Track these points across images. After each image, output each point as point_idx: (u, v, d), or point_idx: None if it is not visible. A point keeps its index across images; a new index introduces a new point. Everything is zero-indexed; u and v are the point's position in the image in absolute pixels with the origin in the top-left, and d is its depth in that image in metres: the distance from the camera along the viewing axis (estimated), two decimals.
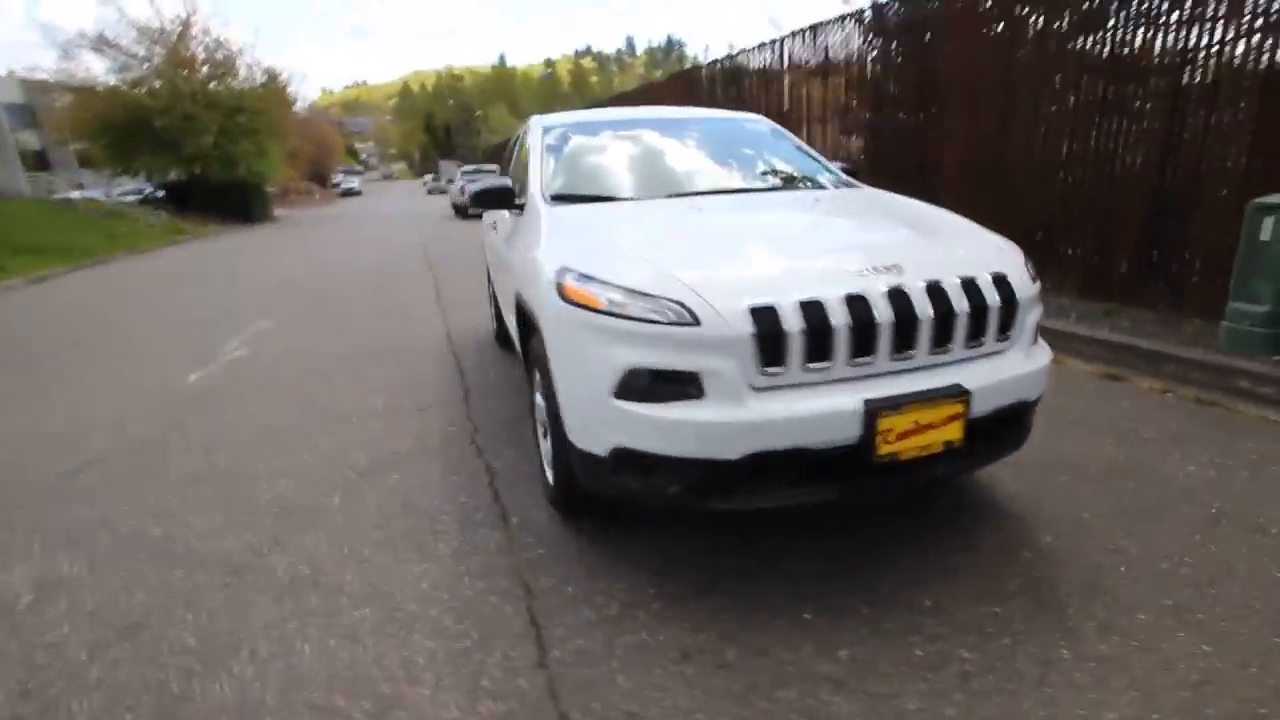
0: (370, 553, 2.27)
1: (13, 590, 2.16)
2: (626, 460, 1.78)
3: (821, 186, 2.94)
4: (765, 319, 1.64)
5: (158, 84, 19.68)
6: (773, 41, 7.99)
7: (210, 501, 2.70)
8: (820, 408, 1.66)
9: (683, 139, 3.16)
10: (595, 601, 1.94)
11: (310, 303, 7.13)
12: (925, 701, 1.54)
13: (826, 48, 7.23)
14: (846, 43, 6.92)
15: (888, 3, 6.31)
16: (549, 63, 78.56)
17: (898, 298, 1.71)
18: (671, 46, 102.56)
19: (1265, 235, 3.41)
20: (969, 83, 5.72)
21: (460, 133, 63.41)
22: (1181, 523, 2.22)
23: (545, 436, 2.49)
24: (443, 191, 44.13)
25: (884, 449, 1.68)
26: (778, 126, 3.47)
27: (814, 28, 7.28)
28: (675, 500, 1.79)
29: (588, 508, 2.29)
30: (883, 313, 1.69)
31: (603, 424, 1.80)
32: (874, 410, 1.65)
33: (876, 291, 1.71)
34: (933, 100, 6.10)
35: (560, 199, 2.65)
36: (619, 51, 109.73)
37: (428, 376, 4.26)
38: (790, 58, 7.84)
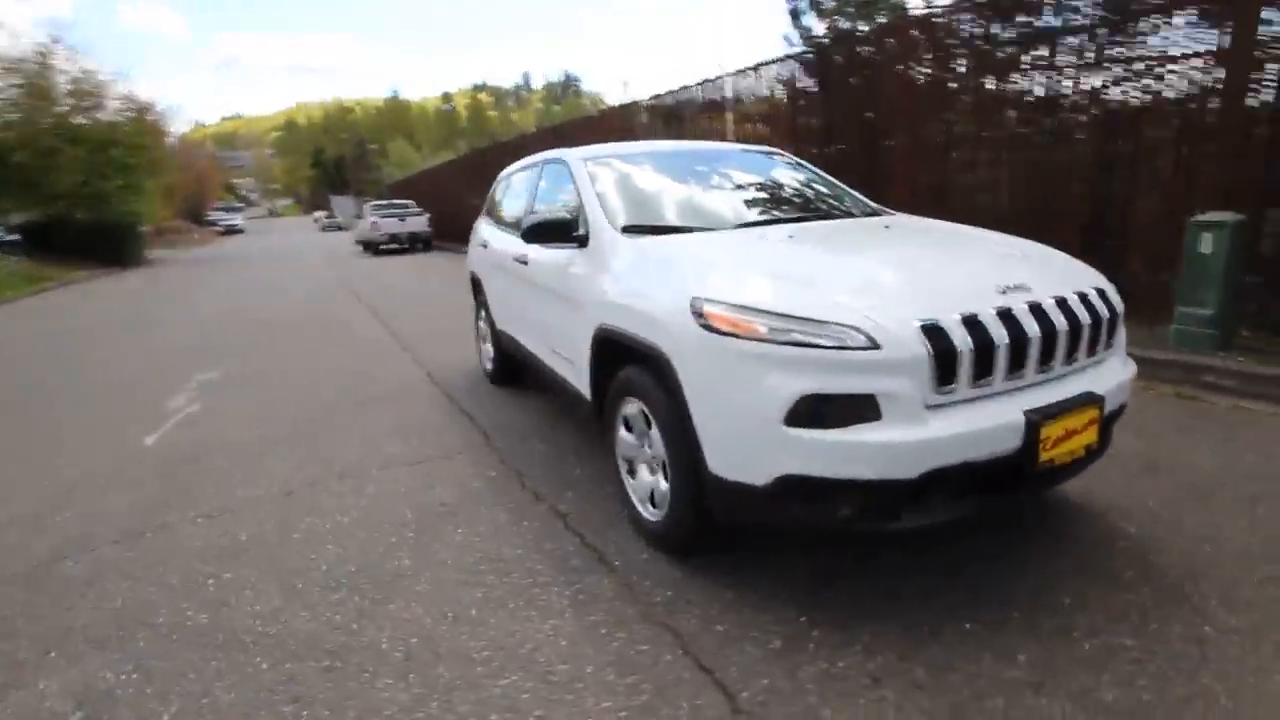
0: (480, 613, 2.09)
1: (52, 711, 1.80)
2: (794, 487, 1.75)
3: (868, 213, 3.08)
4: (937, 338, 1.70)
5: (14, 117, 17.59)
6: (716, 78, 8.34)
7: (253, 578, 2.38)
8: (990, 421, 1.72)
9: (721, 170, 3.23)
10: (753, 637, 1.89)
11: (250, 351, 6.52)
12: (1119, 690, 1.61)
13: (769, 86, 7.66)
14: (790, 80, 7.37)
15: (829, 46, 6.78)
16: (447, 96, 77.24)
17: (1038, 313, 1.83)
18: (569, 82, 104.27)
19: (1205, 249, 3.93)
20: (907, 117, 6.24)
21: (355, 167, 60.83)
22: (1231, 504, 2.48)
23: (634, 473, 2.43)
24: (340, 228, 42.05)
25: (1044, 456, 1.77)
26: (793, 157, 3.62)
27: (757, 66, 7.69)
28: (844, 523, 1.78)
29: (706, 544, 2.23)
30: (1030, 327, 1.80)
31: (766, 453, 1.78)
32: (1035, 420, 1.74)
33: (1021, 308, 1.81)
34: (873, 132, 6.59)
35: (633, 230, 2.62)
36: (516, 86, 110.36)
37: (432, 421, 4.01)
38: (735, 94, 8.22)
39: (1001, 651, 1.77)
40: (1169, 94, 4.80)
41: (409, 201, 21.25)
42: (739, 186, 3.14)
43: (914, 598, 2.02)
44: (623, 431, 2.49)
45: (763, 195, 3.09)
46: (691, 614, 2.01)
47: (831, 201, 3.17)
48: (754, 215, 2.86)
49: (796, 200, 3.14)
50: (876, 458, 1.68)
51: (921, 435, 1.68)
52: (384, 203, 21.56)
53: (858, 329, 1.70)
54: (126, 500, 3.12)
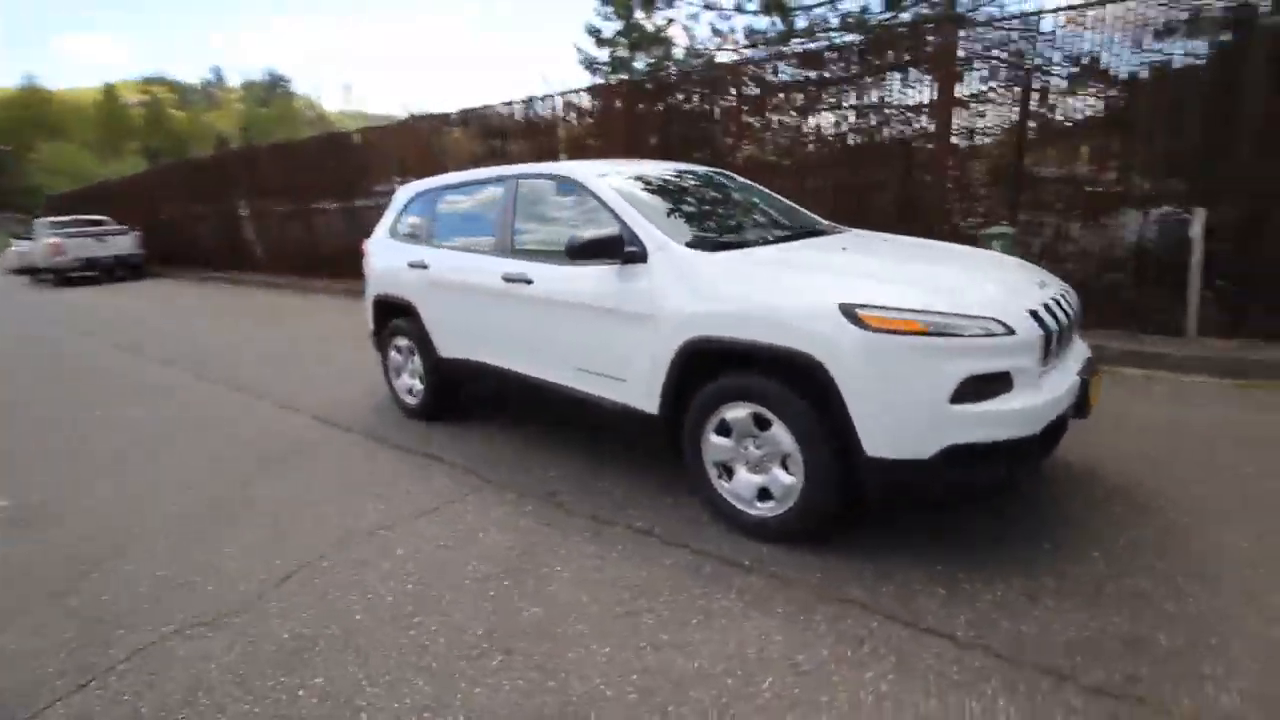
0: (673, 636, 2.05)
1: None
2: (957, 455, 2.11)
3: (833, 229, 3.57)
4: (1039, 323, 2.21)
5: None
6: (545, 96, 8.48)
7: (359, 676, 1.97)
8: (1065, 383, 2.30)
9: (710, 189, 3.47)
10: (919, 591, 2.19)
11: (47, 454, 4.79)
12: (1209, 602, 2.12)
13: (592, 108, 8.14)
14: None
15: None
16: (110, 88, 61.87)
17: (1059, 304, 2.45)
18: (276, 82, 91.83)
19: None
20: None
21: None
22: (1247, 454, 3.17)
23: (730, 476, 2.59)
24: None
25: (1091, 404, 2.40)
26: (738, 177, 4.01)
27: (592, 88, 8.04)
28: (993, 480, 2.20)
29: (829, 528, 2.46)
30: (1062, 314, 2.41)
31: (933, 429, 2.11)
32: (1085, 379, 2.37)
33: (1052, 301, 2.41)
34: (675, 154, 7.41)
35: (696, 246, 2.75)
36: (205, 83, 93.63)
37: (387, 469, 3.53)
38: (556, 112, 8.46)
39: (1059, 557, 2.35)
40: (908, 132, 6.42)
41: (103, 217, 16.91)
42: (736, 204, 3.42)
43: (1002, 540, 2.51)
44: (715, 437, 2.60)
45: (773, 213, 3.43)
46: (855, 585, 2.25)
47: (815, 218, 3.63)
48: (779, 231, 3.18)
49: (798, 216, 3.54)
50: (1017, 420, 2.13)
51: (1042, 399, 2.18)
52: (65, 219, 16.82)
53: (997, 319, 2.13)
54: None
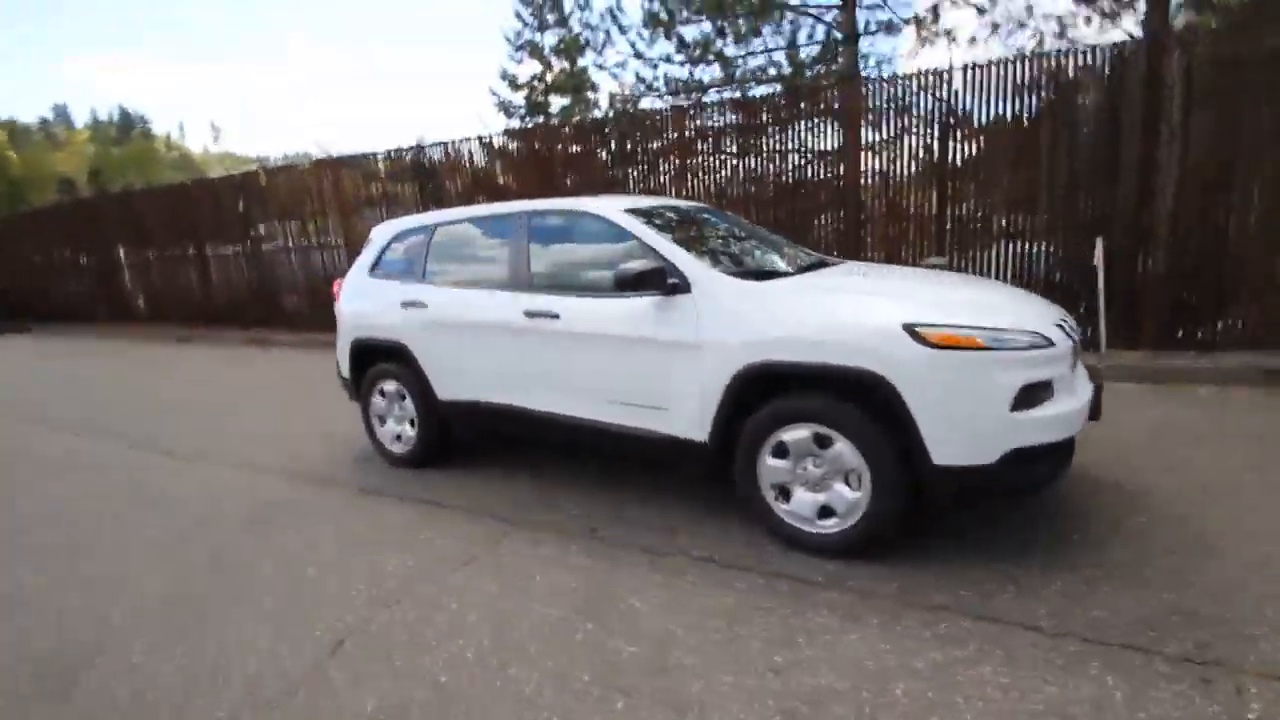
0: (792, 655, 2.05)
1: None
2: (1018, 458, 2.31)
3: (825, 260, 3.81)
4: (1068, 336, 2.48)
5: None
6: (486, 136, 8.49)
7: None
8: (1086, 390, 2.58)
9: (711, 223, 3.62)
10: (991, 590, 2.33)
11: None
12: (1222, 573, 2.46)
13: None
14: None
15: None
16: None
17: (1067, 321, 2.76)
18: (131, 122, 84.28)
19: None
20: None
21: None
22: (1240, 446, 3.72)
23: (788, 497, 2.67)
24: None
25: (1100, 408, 2.70)
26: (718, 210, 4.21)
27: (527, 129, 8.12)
28: (1046, 479, 2.42)
29: (892, 537, 2.58)
30: (1072, 333, 2.72)
31: (996, 436, 2.29)
32: (1099, 386, 2.67)
33: (1062, 320, 2.71)
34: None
35: (738, 276, 2.87)
36: (45, 121, 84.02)
37: (390, 521, 3.29)
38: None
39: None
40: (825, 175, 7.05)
41: None
42: (737, 237, 3.59)
43: (1033, 539, 2.74)
44: (771, 460, 2.67)
45: (762, 244, 3.60)
46: (933, 591, 2.35)
47: (796, 247, 3.86)
48: (789, 265, 3.35)
49: (785, 248, 3.73)
50: (1062, 423, 2.37)
51: (1077, 404, 2.44)
52: None
53: (1039, 333, 2.38)
54: None
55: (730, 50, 9.13)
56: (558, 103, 14.39)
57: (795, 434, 2.60)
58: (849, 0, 8.61)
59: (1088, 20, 10.45)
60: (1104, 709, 1.77)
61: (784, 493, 2.69)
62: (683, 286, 2.83)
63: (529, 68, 14.06)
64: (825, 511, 2.60)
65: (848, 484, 2.54)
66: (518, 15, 13.98)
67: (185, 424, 5.47)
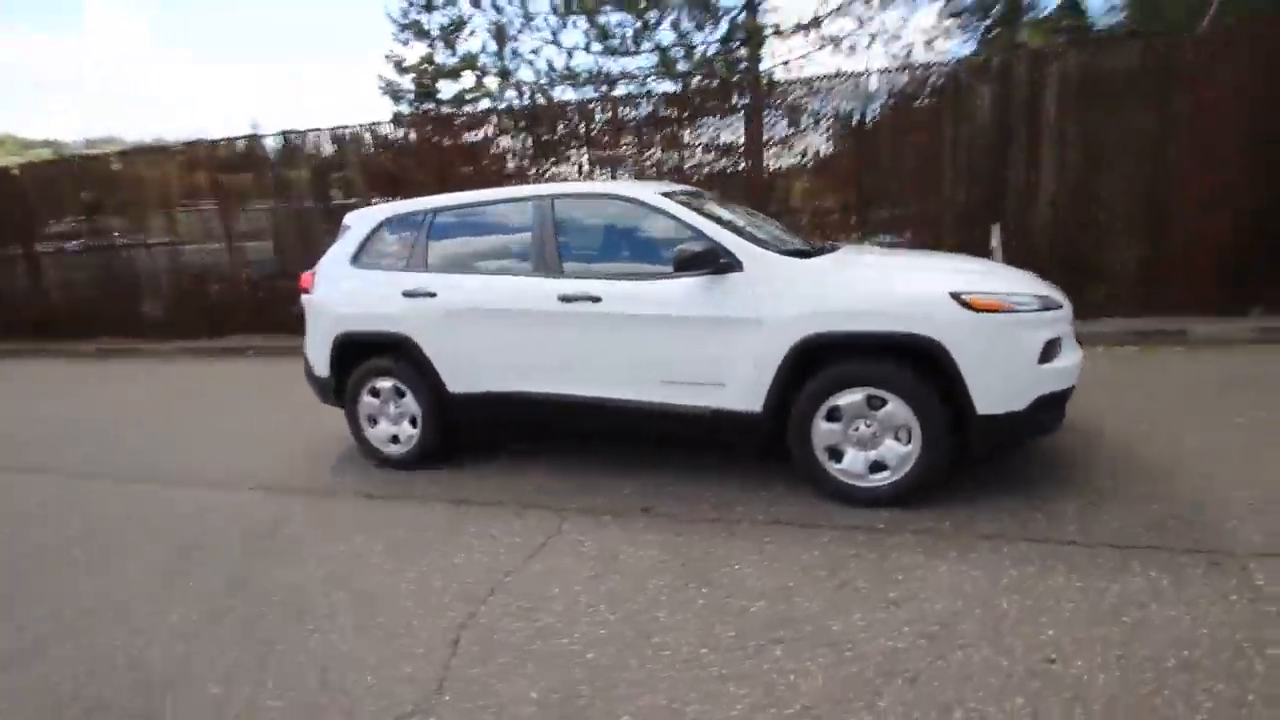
0: (903, 590, 2.28)
1: None
2: (1043, 404, 2.71)
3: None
4: (1067, 299, 2.94)
5: None
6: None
7: None
8: (1080, 349, 3.05)
9: (729, 208, 3.78)
10: (1039, 521, 2.73)
11: None
12: (1190, 484, 3.13)
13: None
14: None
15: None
16: None
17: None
18: None
19: None
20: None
21: None
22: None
23: (840, 458, 2.91)
24: None
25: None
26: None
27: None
28: (1057, 421, 2.84)
29: (942, 481, 2.89)
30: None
31: (1028, 385, 2.68)
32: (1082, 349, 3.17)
33: (1050, 289, 3.18)
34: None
35: (784, 254, 3.07)
36: None
37: (417, 522, 3.14)
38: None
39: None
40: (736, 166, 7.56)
41: None
42: (750, 218, 3.77)
43: (1038, 473, 3.19)
44: (824, 424, 2.90)
45: (773, 226, 3.82)
46: (983, 523, 2.69)
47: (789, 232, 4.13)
48: (795, 243, 3.59)
49: (781, 232, 3.98)
50: (1071, 373, 2.81)
51: (1079, 357, 2.89)
52: None
53: (1050, 296, 2.79)
54: None
55: (645, 44, 9.34)
56: (450, 88, 13.79)
57: (849, 398, 2.84)
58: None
59: (947, 34, 11.88)
60: (1161, 594, 2.17)
61: (835, 454, 2.93)
62: (735, 265, 2.97)
63: (417, 50, 13.33)
64: (875, 467, 2.88)
65: (898, 440, 2.83)
66: None
67: (116, 443, 4.72)
